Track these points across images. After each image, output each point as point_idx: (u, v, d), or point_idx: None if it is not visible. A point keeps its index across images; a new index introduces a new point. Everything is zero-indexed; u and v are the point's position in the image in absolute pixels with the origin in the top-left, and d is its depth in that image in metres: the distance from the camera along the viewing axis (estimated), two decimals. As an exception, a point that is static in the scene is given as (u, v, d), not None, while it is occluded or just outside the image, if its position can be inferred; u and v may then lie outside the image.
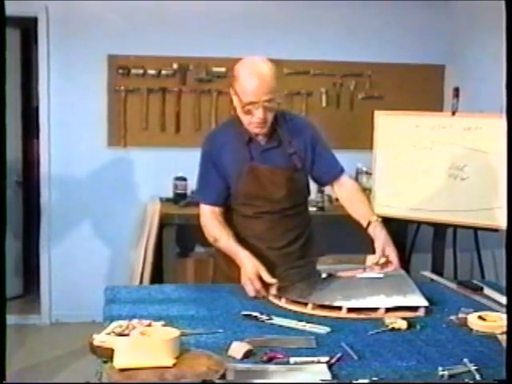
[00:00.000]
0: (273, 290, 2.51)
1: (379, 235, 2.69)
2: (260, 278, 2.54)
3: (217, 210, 2.81)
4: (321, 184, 3.12)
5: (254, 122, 2.68)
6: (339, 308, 2.33)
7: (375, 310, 2.32)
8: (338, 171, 2.93)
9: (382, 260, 2.61)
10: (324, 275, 2.52)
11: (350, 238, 5.45)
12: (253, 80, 2.61)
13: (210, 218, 2.80)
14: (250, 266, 2.58)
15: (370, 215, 2.78)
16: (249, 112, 2.66)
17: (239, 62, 2.71)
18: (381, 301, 2.34)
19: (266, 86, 2.61)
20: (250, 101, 2.63)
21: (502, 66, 2.19)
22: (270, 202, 2.80)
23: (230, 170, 2.78)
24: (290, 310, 2.38)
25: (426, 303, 2.33)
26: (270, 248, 2.81)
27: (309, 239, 3.02)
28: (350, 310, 2.32)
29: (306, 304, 2.38)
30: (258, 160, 2.77)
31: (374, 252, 2.63)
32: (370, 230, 2.74)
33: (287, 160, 2.80)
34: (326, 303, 2.35)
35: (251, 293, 2.54)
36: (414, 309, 2.33)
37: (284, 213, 2.85)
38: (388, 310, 2.31)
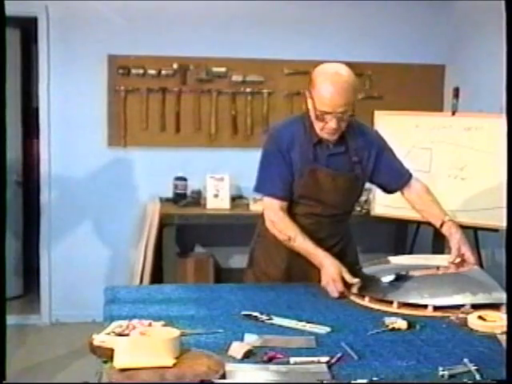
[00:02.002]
0: (354, 289, 2.53)
1: (454, 234, 2.74)
2: (342, 279, 2.55)
3: (285, 205, 2.77)
4: (389, 191, 3.03)
5: (326, 128, 2.67)
6: (425, 306, 2.34)
7: (460, 307, 2.32)
8: (406, 178, 2.93)
9: (458, 259, 2.66)
10: (403, 273, 2.54)
11: (354, 239, 5.48)
12: (330, 91, 2.57)
13: (281, 214, 2.75)
14: (332, 267, 2.58)
15: (443, 215, 2.82)
16: (322, 119, 2.64)
17: (320, 66, 2.67)
18: (466, 298, 2.35)
19: (344, 98, 2.58)
20: (324, 110, 2.61)
21: (502, 66, 2.19)
22: (324, 206, 2.80)
23: (294, 168, 2.76)
24: (373, 308, 2.40)
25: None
26: None
27: (346, 245, 3.00)
28: (436, 308, 2.34)
29: (391, 302, 2.39)
30: (322, 163, 2.75)
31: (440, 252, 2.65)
32: (445, 230, 2.79)
33: (350, 167, 2.79)
34: (412, 301, 2.37)
35: (334, 293, 2.54)
36: (498, 306, 2.33)
37: (334, 218, 2.86)
38: (473, 307, 2.31)
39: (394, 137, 4.32)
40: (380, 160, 2.84)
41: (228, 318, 2.31)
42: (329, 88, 2.57)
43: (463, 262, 2.65)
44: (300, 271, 2.81)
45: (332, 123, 2.62)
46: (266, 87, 5.26)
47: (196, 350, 1.88)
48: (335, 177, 2.76)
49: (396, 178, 2.92)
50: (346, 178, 2.78)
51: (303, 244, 2.70)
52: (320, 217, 2.81)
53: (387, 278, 2.48)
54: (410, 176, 2.94)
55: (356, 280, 2.54)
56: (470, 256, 2.65)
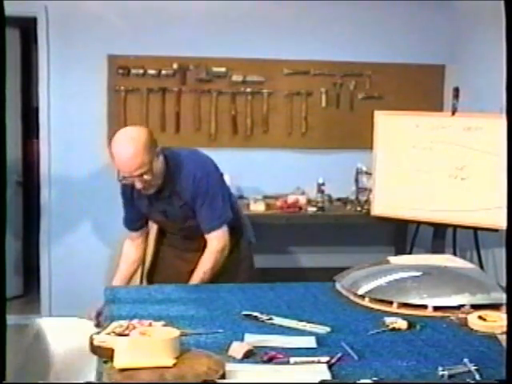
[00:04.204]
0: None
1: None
2: None
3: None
4: None
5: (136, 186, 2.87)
6: (425, 306, 2.35)
7: (460, 308, 2.33)
8: (205, 229, 3.03)
9: None
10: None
11: (350, 238, 5.49)
12: (121, 158, 2.76)
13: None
14: None
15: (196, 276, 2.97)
16: (126, 179, 2.83)
17: (117, 133, 2.85)
18: (465, 299, 2.35)
19: (135, 163, 2.74)
20: (123, 175, 2.80)
21: (502, 66, 2.19)
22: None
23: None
24: (373, 308, 2.41)
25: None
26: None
27: None
28: (436, 308, 2.34)
29: (390, 302, 2.39)
30: (155, 208, 3.03)
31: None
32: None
33: (180, 210, 3.01)
34: (412, 301, 2.37)
35: None
36: (497, 306, 2.33)
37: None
38: (473, 307, 2.32)
39: (394, 137, 4.35)
40: (195, 202, 2.99)
41: (228, 318, 2.31)
42: (119, 156, 2.76)
43: None
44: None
45: (136, 184, 2.83)
46: (265, 87, 5.25)
47: (196, 350, 1.88)
48: (167, 222, 3.11)
49: (202, 224, 3.02)
50: (176, 221, 3.07)
51: None
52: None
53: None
54: (209, 230, 3.01)
55: None
56: None
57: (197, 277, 2.94)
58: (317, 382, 1.74)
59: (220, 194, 3.04)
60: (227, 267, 3.07)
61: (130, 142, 2.75)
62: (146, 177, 2.79)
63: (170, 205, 3.01)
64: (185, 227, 3.10)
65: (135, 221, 3.19)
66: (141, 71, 5.11)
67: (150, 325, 2.03)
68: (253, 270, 3.34)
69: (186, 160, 2.99)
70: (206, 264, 2.97)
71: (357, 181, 4.85)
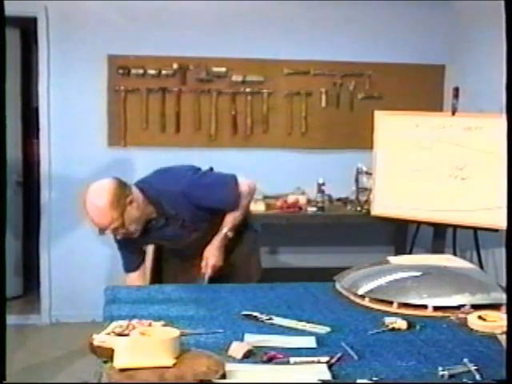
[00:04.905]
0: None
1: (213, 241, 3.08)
2: None
3: None
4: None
5: None
6: (425, 306, 2.35)
7: (460, 308, 2.33)
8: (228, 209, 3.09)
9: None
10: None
11: (350, 238, 5.49)
12: (90, 218, 2.80)
13: None
14: None
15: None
16: (105, 232, 2.86)
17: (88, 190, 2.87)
18: (465, 299, 2.35)
19: (104, 221, 2.79)
20: (99, 228, 2.82)
21: (502, 66, 2.19)
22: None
23: None
24: (373, 308, 2.41)
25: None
26: None
27: None
28: (436, 308, 2.34)
29: (390, 302, 2.40)
30: (155, 237, 3.07)
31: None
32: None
33: (181, 229, 3.03)
34: (412, 301, 2.37)
35: None
36: (497, 306, 2.33)
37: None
38: (473, 307, 2.33)
39: (394, 137, 4.35)
40: (202, 205, 2.99)
41: (228, 318, 2.31)
42: (89, 215, 2.80)
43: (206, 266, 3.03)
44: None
45: (117, 236, 2.90)
46: (265, 87, 5.25)
47: (196, 350, 1.88)
48: (171, 242, 3.14)
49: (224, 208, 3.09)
50: (181, 240, 3.08)
51: None
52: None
53: None
54: (232, 208, 3.07)
55: None
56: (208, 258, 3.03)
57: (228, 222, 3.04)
58: (317, 382, 1.74)
59: (211, 182, 3.08)
60: (237, 263, 3.15)
61: (97, 202, 2.78)
62: (121, 230, 2.84)
63: (169, 228, 3.02)
64: (190, 241, 3.09)
65: (135, 261, 3.19)
66: (141, 71, 5.11)
67: (150, 325, 2.03)
68: (260, 263, 3.37)
69: (162, 183, 3.00)
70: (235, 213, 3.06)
71: (357, 181, 4.85)
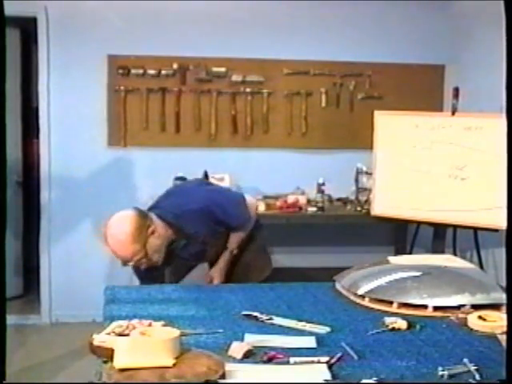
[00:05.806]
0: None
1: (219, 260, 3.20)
2: None
3: None
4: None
5: None
6: (425, 306, 2.35)
7: (460, 308, 2.33)
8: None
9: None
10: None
11: (350, 238, 5.48)
12: (113, 251, 2.79)
13: None
14: None
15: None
16: (128, 264, 2.87)
17: (107, 223, 2.86)
18: (465, 299, 2.35)
19: (127, 254, 2.79)
20: (122, 261, 2.83)
21: (502, 66, 2.19)
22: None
23: None
24: (373, 308, 2.41)
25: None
26: None
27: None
28: (436, 308, 2.34)
29: (391, 302, 2.40)
30: (176, 259, 3.08)
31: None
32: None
33: (203, 246, 3.07)
34: (412, 301, 2.37)
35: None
36: (497, 306, 2.33)
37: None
38: (473, 307, 2.33)
39: (394, 137, 4.35)
40: (216, 217, 3.01)
41: (228, 318, 2.31)
42: (112, 249, 2.80)
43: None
44: None
45: (141, 266, 2.88)
46: (265, 87, 5.25)
47: (196, 350, 1.88)
48: (192, 259, 3.18)
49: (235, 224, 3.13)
50: (203, 259, 3.19)
51: None
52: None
53: None
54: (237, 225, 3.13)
55: None
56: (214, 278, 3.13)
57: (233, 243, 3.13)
58: (317, 382, 1.74)
59: (226, 197, 3.15)
60: (249, 259, 3.23)
61: (118, 236, 2.77)
62: (144, 260, 2.83)
63: (191, 247, 3.05)
64: (212, 254, 3.16)
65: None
66: (141, 71, 5.11)
67: (150, 325, 2.03)
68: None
69: (178, 205, 2.99)
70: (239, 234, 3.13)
71: (357, 181, 4.85)
